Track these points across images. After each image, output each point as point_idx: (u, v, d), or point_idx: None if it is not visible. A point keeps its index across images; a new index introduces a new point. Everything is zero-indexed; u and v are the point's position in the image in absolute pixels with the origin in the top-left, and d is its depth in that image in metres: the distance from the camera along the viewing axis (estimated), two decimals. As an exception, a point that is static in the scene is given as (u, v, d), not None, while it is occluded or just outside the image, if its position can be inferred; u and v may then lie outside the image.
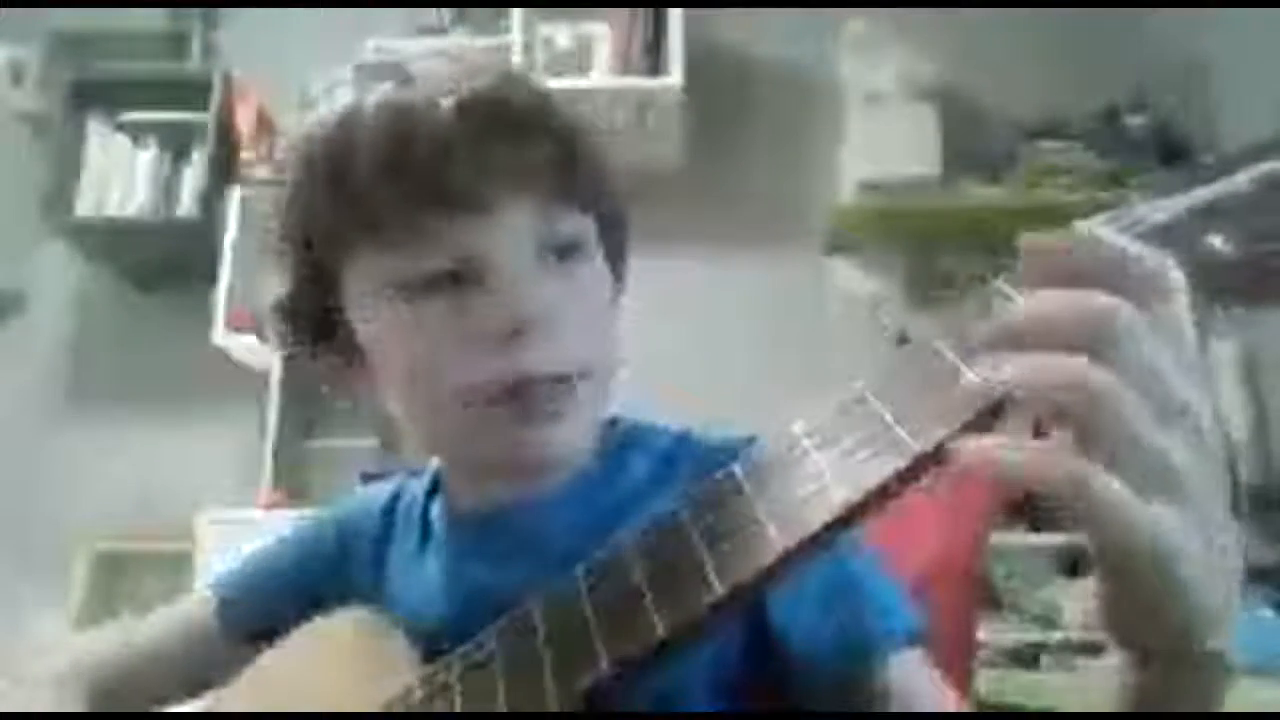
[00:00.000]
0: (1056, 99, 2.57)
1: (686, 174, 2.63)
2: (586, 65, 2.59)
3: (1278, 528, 2.05)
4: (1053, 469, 0.31)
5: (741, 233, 2.57)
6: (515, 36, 2.53)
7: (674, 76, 2.47)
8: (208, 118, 2.57)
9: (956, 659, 0.85)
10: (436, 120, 0.54)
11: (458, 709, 0.45)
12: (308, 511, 0.87)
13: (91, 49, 2.73)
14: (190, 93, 2.60)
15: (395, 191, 0.53)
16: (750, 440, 0.59)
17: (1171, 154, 2.46)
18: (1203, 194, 0.36)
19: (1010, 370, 0.32)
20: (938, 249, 2.56)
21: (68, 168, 2.58)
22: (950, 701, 0.55)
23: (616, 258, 0.64)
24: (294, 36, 2.52)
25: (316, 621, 0.64)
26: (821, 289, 2.60)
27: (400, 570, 0.68)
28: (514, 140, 0.55)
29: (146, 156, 2.62)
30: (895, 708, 0.53)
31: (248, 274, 2.32)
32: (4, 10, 2.72)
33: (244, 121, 2.60)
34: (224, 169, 2.56)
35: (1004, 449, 0.31)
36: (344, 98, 0.56)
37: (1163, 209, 0.36)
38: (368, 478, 1.75)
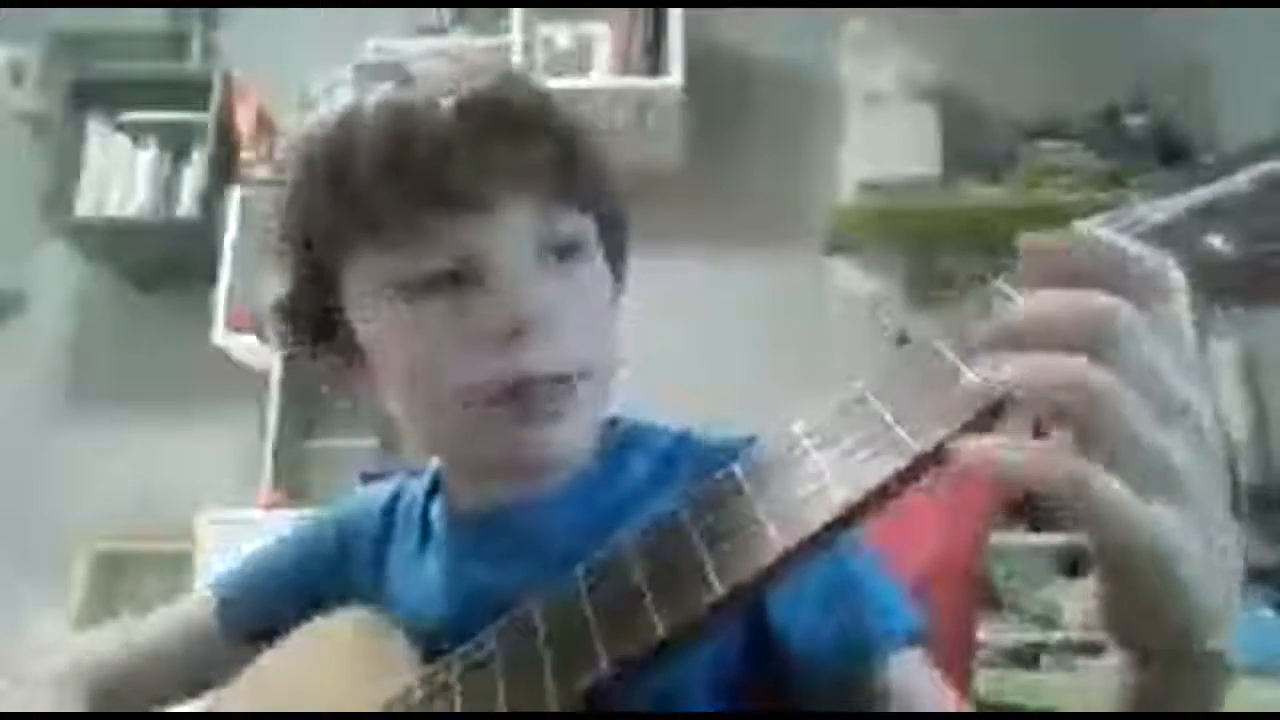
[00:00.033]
0: (1056, 99, 2.58)
1: (686, 174, 2.63)
2: (586, 65, 2.59)
3: (1278, 528, 2.05)
4: (1052, 469, 0.31)
5: (741, 233, 2.57)
6: (515, 36, 2.53)
7: (674, 76, 2.47)
8: (208, 118, 2.57)
9: (956, 659, 0.85)
10: (436, 120, 0.54)
11: (458, 709, 0.45)
12: (308, 511, 0.87)
13: (91, 49, 2.73)
14: (190, 93, 2.60)
15: (395, 191, 0.53)
16: (750, 440, 0.59)
17: (1171, 154, 2.46)
18: (1202, 194, 0.36)
19: (1010, 370, 0.32)
20: (938, 249, 2.56)
21: (68, 168, 2.58)
22: (950, 701, 0.55)
23: (616, 258, 0.64)
24: (294, 36, 2.52)
25: (316, 621, 0.64)
26: (821, 289, 2.60)
27: (400, 570, 0.68)
28: (514, 140, 0.55)
29: (146, 156, 2.62)
30: (895, 708, 0.53)
31: (248, 274, 2.32)
32: (4, 10, 2.72)
33: (244, 121, 2.60)
34: (224, 169, 2.56)
35: (1004, 449, 0.31)
36: (344, 98, 0.56)
37: (1162, 209, 0.36)
38: (368, 478, 1.75)
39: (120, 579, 2.46)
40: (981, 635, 1.66)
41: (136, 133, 2.63)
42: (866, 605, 0.55)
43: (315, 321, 0.60)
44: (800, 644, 0.54)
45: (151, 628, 0.73)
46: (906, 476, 0.34)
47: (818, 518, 0.35)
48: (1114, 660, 0.36)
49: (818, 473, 0.36)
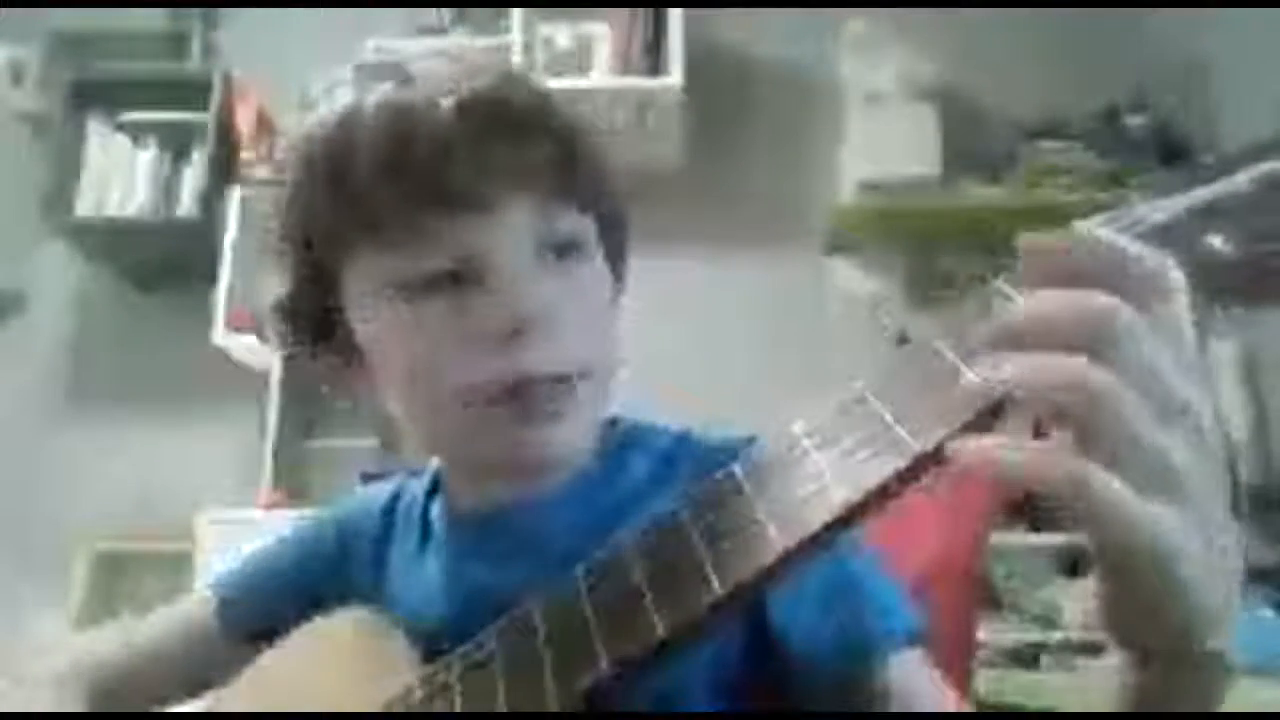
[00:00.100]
0: (1056, 99, 2.58)
1: (686, 174, 2.63)
2: (586, 65, 2.59)
3: (1278, 528, 2.04)
4: (1052, 469, 0.31)
5: (741, 233, 2.57)
6: (515, 36, 2.53)
7: (674, 76, 2.47)
8: (208, 118, 2.57)
9: (956, 659, 0.85)
10: (436, 120, 0.54)
11: (458, 709, 0.45)
12: (308, 511, 0.87)
13: (91, 49, 2.73)
14: (190, 93, 2.60)
15: (395, 191, 0.53)
16: (750, 440, 0.59)
17: (1171, 154, 2.46)
18: (1202, 194, 0.36)
19: (1009, 370, 0.32)
20: (938, 249, 2.56)
21: (68, 168, 2.58)
22: (950, 701, 0.55)
23: (616, 257, 0.64)
24: (294, 36, 2.52)
25: (316, 621, 0.64)
26: (821, 289, 2.60)
27: (400, 570, 0.68)
28: (514, 140, 0.55)
29: (146, 156, 2.62)
30: (895, 708, 0.52)
31: (248, 274, 2.32)
32: (4, 10, 2.72)
33: (244, 121, 2.60)
34: (224, 169, 2.56)
35: (1004, 449, 0.31)
36: (344, 98, 0.56)
37: (1162, 209, 0.36)
38: (368, 478, 1.75)
39: (120, 579, 2.46)
40: (981, 635, 1.66)
41: (136, 133, 2.63)
42: (866, 605, 0.55)
43: (315, 321, 0.60)
44: (800, 644, 0.54)
45: (151, 628, 0.73)
46: (907, 476, 0.34)
47: (818, 518, 0.35)
48: (1114, 660, 0.36)
49: (818, 473, 0.36)
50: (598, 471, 0.62)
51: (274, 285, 0.61)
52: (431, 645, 0.55)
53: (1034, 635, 2.03)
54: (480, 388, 0.54)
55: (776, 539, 0.35)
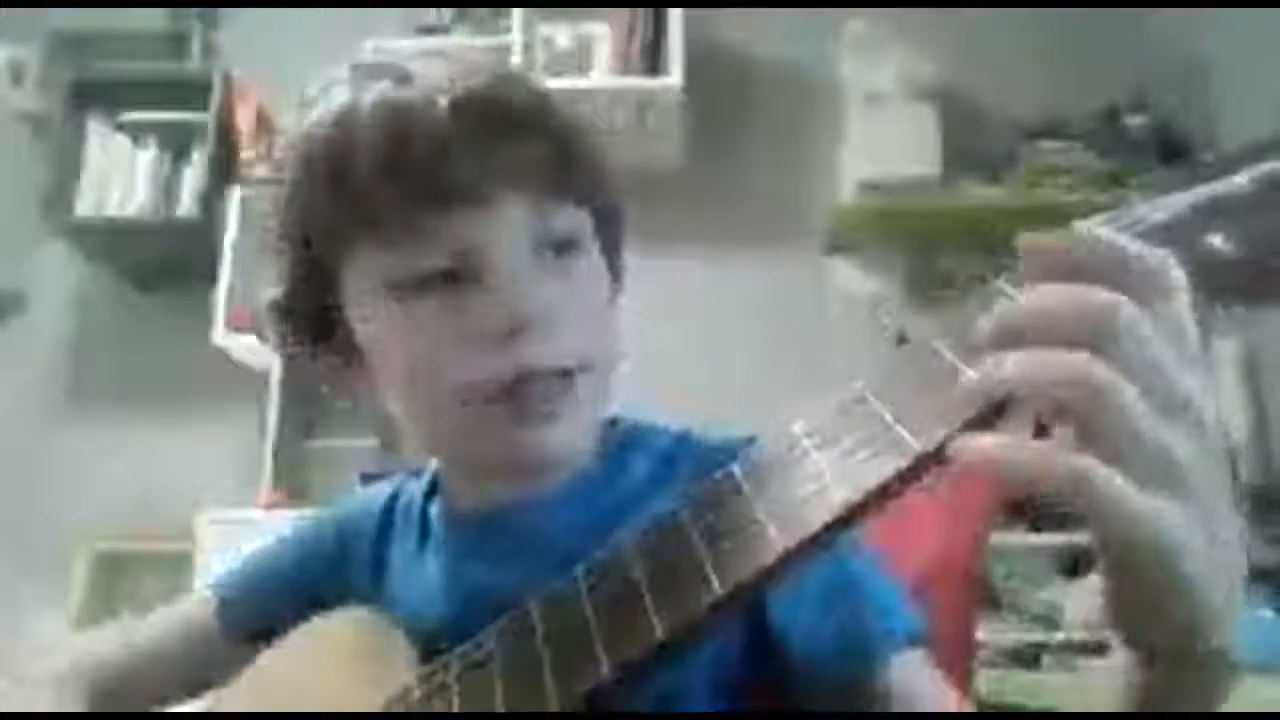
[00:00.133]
0: (1056, 99, 2.57)
1: (686, 174, 2.63)
2: (586, 65, 2.59)
3: (1278, 528, 2.04)
4: (1054, 465, 0.31)
5: (741, 233, 2.57)
6: (515, 36, 2.53)
7: (674, 76, 2.47)
8: (208, 118, 2.57)
9: (957, 659, 0.85)
10: (434, 118, 0.54)
11: (456, 709, 0.45)
12: (308, 511, 0.87)
13: (91, 49, 2.73)
14: (190, 93, 2.60)
15: (393, 189, 0.53)
16: (750, 440, 0.58)
17: (1171, 154, 2.46)
18: (1203, 193, 0.36)
19: (1010, 367, 0.32)
20: (938, 249, 2.55)
21: (68, 168, 2.58)
22: (952, 701, 0.55)
23: (613, 252, 0.64)
24: (294, 36, 2.52)
25: (316, 621, 0.64)
26: (821, 289, 2.60)
27: (400, 570, 0.68)
28: (510, 137, 0.55)
29: (146, 156, 2.62)
30: (897, 708, 0.52)
31: (248, 274, 2.32)
32: (4, 10, 2.72)
33: (244, 121, 2.60)
34: (224, 169, 2.56)
35: (1005, 447, 0.31)
36: (341, 97, 0.56)
37: (1162, 208, 0.36)
38: (368, 478, 1.75)
39: (120, 579, 2.46)
40: (982, 635, 1.67)
41: (136, 133, 2.63)
42: (866, 606, 0.55)
43: (313, 321, 0.60)
44: (800, 644, 0.54)
45: (151, 628, 0.73)
46: (907, 476, 0.34)
47: (818, 518, 0.35)
48: (1117, 660, 0.36)
49: (818, 473, 0.36)
50: (598, 471, 0.62)
51: (272, 285, 0.61)
52: (431, 645, 0.55)
53: (1034, 635, 2.03)
54: (479, 386, 0.54)
55: (776, 539, 0.35)
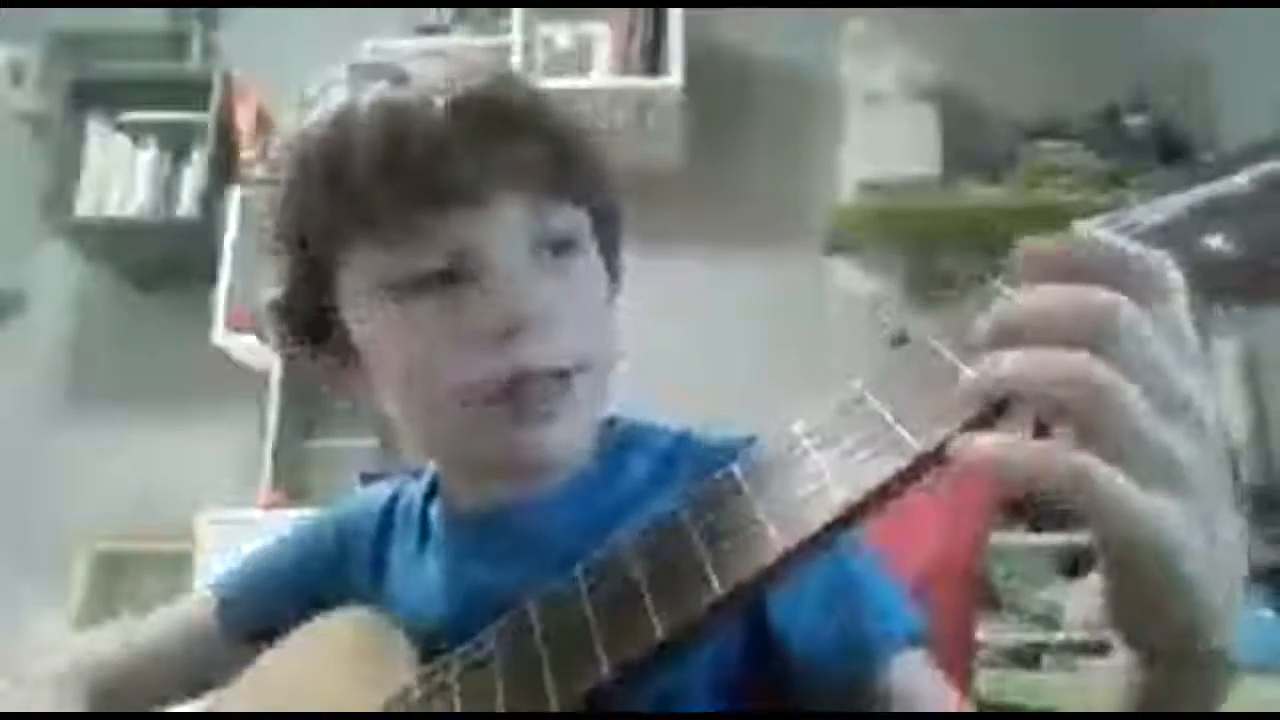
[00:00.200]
0: (1056, 99, 2.57)
1: (686, 174, 2.63)
2: (586, 65, 2.59)
3: (1278, 528, 2.04)
4: (1055, 464, 0.31)
5: (741, 233, 2.57)
6: (515, 36, 2.53)
7: (674, 76, 2.47)
8: (208, 118, 2.57)
9: (957, 659, 0.85)
10: (431, 118, 0.54)
11: (456, 709, 0.45)
12: (308, 511, 0.87)
13: (91, 49, 2.73)
14: (190, 93, 2.60)
15: (391, 189, 0.53)
16: (750, 440, 0.58)
17: (1171, 154, 2.46)
18: (1202, 194, 0.36)
19: (1009, 366, 0.32)
20: (938, 249, 2.55)
21: (68, 168, 2.58)
22: (952, 701, 0.55)
23: (611, 252, 0.64)
24: (294, 36, 2.52)
25: (316, 621, 0.64)
26: (821, 289, 2.60)
27: (400, 571, 0.68)
28: (507, 137, 0.55)
29: (146, 156, 2.62)
30: (897, 708, 0.52)
31: (248, 274, 2.32)
32: (4, 10, 2.72)
33: (244, 121, 2.60)
34: (224, 169, 2.56)
35: (1005, 446, 0.31)
36: (339, 97, 0.56)
37: (1161, 209, 0.36)
38: (368, 478, 1.75)
39: (120, 579, 2.46)
40: (982, 635, 1.67)
41: (136, 133, 2.63)
42: (866, 606, 0.55)
43: (310, 322, 0.60)
44: (801, 645, 0.54)
45: (151, 628, 0.73)
46: (907, 476, 0.34)
47: (818, 518, 0.35)
48: (1118, 660, 0.36)
49: (818, 473, 0.36)
50: (597, 471, 0.62)
51: (271, 285, 0.61)
52: (431, 645, 0.55)
53: (1035, 635, 2.03)
54: (477, 386, 0.54)
55: (776, 539, 0.35)
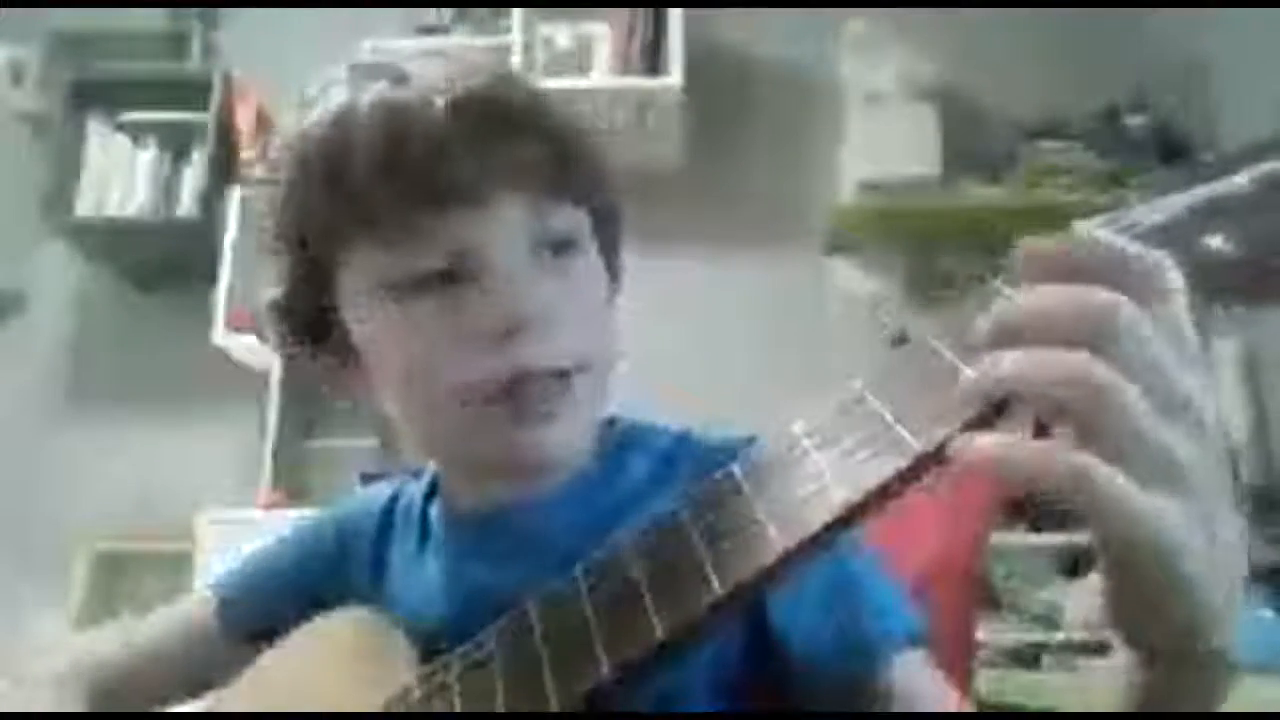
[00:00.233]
0: (1056, 99, 2.57)
1: (686, 174, 2.63)
2: (586, 65, 2.59)
3: (1278, 528, 2.04)
4: (1055, 464, 0.31)
5: (741, 233, 2.57)
6: (515, 36, 2.53)
7: (674, 76, 2.47)
8: (208, 118, 2.57)
9: (957, 659, 0.85)
10: (431, 119, 0.54)
11: (456, 709, 0.45)
12: (308, 511, 0.87)
13: (91, 49, 2.73)
14: (190, 93, 2.60)
15: (391, 189, 0.53)
16: (750, 440, 0.59)
17: (1171, 154, 2.46)
18: (1201, 194, 0.36)
19: (1009, 366, 0.32)
20: (938, 249, 2.55)
21: (68, 168, 2.58)
22: (952, 701, 0.55)
23: (611, 252, 0.64)
24: (294, 36, 2.52)
25: (316, 622, 0.64)
26: (821, 289, 2.60)
27: (400, 571, 0.68)
28: (507, 137, 0.55)
29: (146, 156, 2.62)
30: (897, 708, 0.52)
31: (248, 274, 2.32)
32: (4, 10, 2.72)
33: (244, 121, 2.60)
34: (224, 169, 2.56)
35: (1005, 445, 0.31)
36: (339, 97, 0.56)
37: (1160, 210, 0.36)
38: (367, 478, 1.75)
39: (120, 579, 2.46)
40: (982, 635, 1.67)
41: (136, 133, 2.63)
42: (866, 606, 0.55)
43: (310, 322, 0.60)
44: (801, 645, 0.54)
45: (151, 628, 0.73)
46: (907, 476, 0.34)
47: (818, 518, 0.35)
48: (1118, 660, 0.36)
49: (818, 473, 0.36)
50: (597, 471, 0.62)
51: (271, 285, 0.61)
52: (431, 646, 0.55)
53: (1035, 635, 2.03)
54: (476, 386, 0.54)
55: (776, 539, 0.35)
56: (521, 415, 0.55)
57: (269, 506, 2.29)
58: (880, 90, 2.52)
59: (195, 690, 0.71)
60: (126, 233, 2.63)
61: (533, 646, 0.42)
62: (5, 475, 2.50)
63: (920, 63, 2.51)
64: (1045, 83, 2.58)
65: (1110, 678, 0.37)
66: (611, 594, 0.41)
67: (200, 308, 2.42)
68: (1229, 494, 0.33)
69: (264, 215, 0.60)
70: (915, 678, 0.54)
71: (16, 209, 2.60)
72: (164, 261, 2.64)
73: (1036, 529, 2.15)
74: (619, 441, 0.66)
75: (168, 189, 2.60)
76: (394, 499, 0.72)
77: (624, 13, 2.58)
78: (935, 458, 0.33)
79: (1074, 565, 2.15)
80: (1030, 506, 2.11)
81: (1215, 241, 0.34)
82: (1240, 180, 0.35)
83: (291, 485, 2.40)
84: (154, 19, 2.81)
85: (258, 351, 2.37)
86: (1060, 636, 2.02)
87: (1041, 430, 0.33)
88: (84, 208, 2.57)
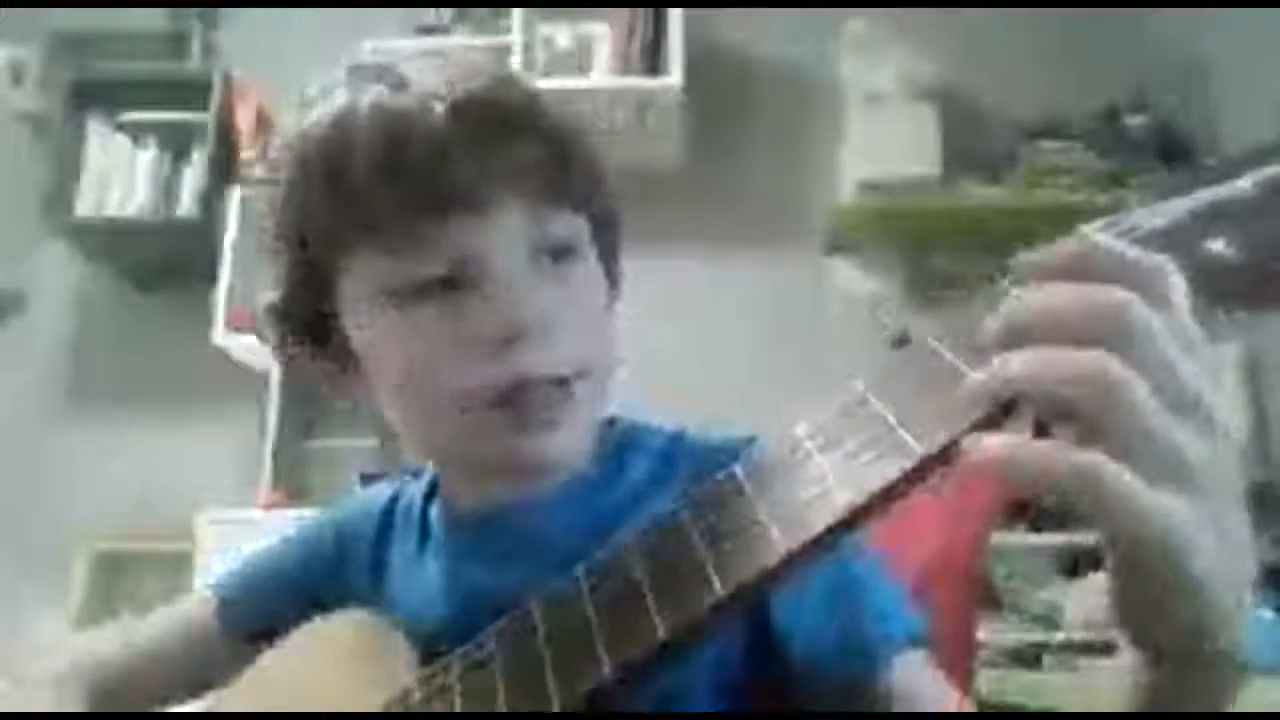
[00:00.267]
0: (1056, 99, 2.57)
1: (686, 174, 2.63)
2: (586, 65, 2.59)
3: (1278, 529, 2.04)
4: (1062, 463, 0.30)
5: (741, 233, 2.57)
6: (515, 36, 2.53)
7: (674, 76, 2.47)
8: (208, 118, 2.57)
9: (958, 659, 0.85)
10: (431, 123, 0.54)
11: (457, 710, 0.45)
12: (308, 511, 0.87)
13: (91, 49, 2.73)
14: (190, 93, 2.60)
15: (391, 194, 0.53)
16: (750, 440, 0.59)
17: (1172, 154, 2.46)
18: (1203, 198, 0.36)
19: (1018, 366, 0.32)
20: (937, 249, 2.55)
21: (68, 168, 2.58)
22: (953, 702, 0.55)
23: (610, 258, 0.64)
24: (294, 36, 2.52)
25: (316, 622, 0.64)
26: (821, 289, 2.60)
27: (400, 572, 0.68)
28: (507, 139, 0.55)
29: (146, 156, 2.62)
30: (898, 709, 0.52)
31: (248, 274, 2.32)
32: (4, 10, 2.72)
33: (244, 121, 2.60)
34: (224, 169, 2.56)
35: (1012, 446, 0.31)
36: (339, 98, 0.56)
37: (1162, 213, 0.36)
38: (367, 478, 1.75)
39: (120, 579, 2.46)
40: (982, 635, 1.66)
41: (136, 133, 2.63)
42: (868, 608, 0.55)
43: (309, 326, 0.60)
44: (802, 646, 0.54)
45: (151, 628, 0.73)
46: (911, 479, 0.34)
47: (821, 520, 0.35)
48: (1124, 660, 0.36)
49: (821, 475, 0.36)
50: (596, 472, 0.62)
51: (270, 288, 0.61)
52: (431, 647, 0.55)
53: (1035, 635, 2.03)
54: (476, 393, 0.54)
55: (779, 540, 0.35)
56: (522, 422, 0.55)
57: (269, 506, 2.29)
58: (880, 90, 2.52)
59: (195, 690, 0.71)
60: (126, 233, 2.63)
61: (534, 647, 0.42)
62: (5, 475, 2.50)
63: (920, 63, 2.51)
64: (1045, 83, 2.58)
65: (1116, 678, 0.36)
66: (613, 594, 0.41)
67: (200, 308, 2.42)
68: (1238, 493, 0.33)
69: (264, 215, 0.60)
70: (916, 678, 0.54)
71: (16, 209, 2.60)
72: (164, 261, 2.64)
73: (1036, 529, 2.15)
74: (618, 442, 0.65)
75: (168, 189, 2.60)
76: (394, 500, 0.72)
77: (624, 13, 2.58)
78: (940, 460, 0.33)
79: (1074, 565, 2.15)
80: (1031, 506, 2.11)
81: (1217, 246, 0.34)
82: (1243, 184, 0.35)
83: (291, 485, 2.40)
84: (154, 19, 2.81)
85: (258, 351, 2.36)
86: (1061, 636, 2.01)
87: (1041, 431, 0.33)
88: (84, 208, 2.57)
